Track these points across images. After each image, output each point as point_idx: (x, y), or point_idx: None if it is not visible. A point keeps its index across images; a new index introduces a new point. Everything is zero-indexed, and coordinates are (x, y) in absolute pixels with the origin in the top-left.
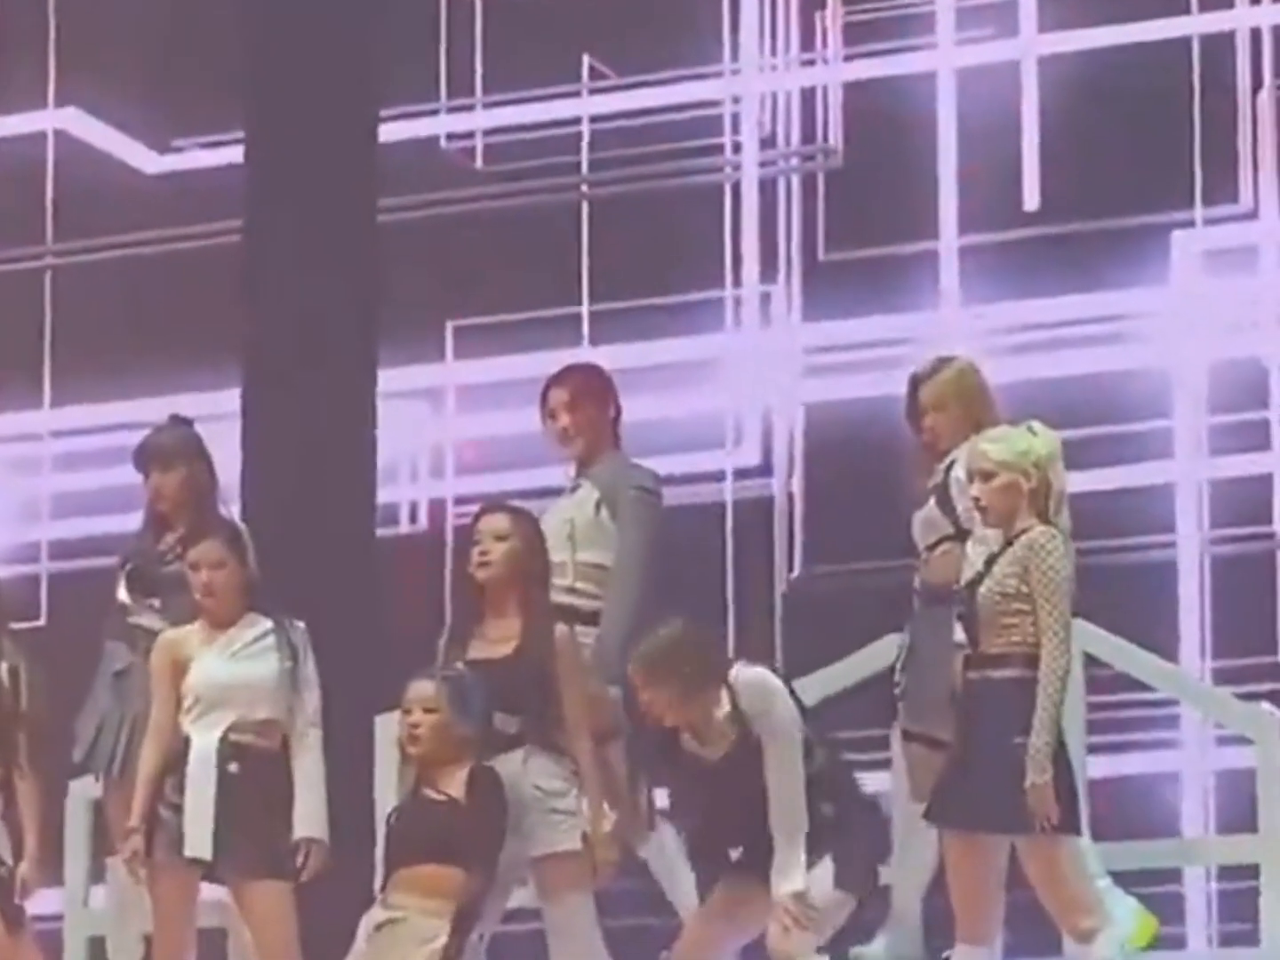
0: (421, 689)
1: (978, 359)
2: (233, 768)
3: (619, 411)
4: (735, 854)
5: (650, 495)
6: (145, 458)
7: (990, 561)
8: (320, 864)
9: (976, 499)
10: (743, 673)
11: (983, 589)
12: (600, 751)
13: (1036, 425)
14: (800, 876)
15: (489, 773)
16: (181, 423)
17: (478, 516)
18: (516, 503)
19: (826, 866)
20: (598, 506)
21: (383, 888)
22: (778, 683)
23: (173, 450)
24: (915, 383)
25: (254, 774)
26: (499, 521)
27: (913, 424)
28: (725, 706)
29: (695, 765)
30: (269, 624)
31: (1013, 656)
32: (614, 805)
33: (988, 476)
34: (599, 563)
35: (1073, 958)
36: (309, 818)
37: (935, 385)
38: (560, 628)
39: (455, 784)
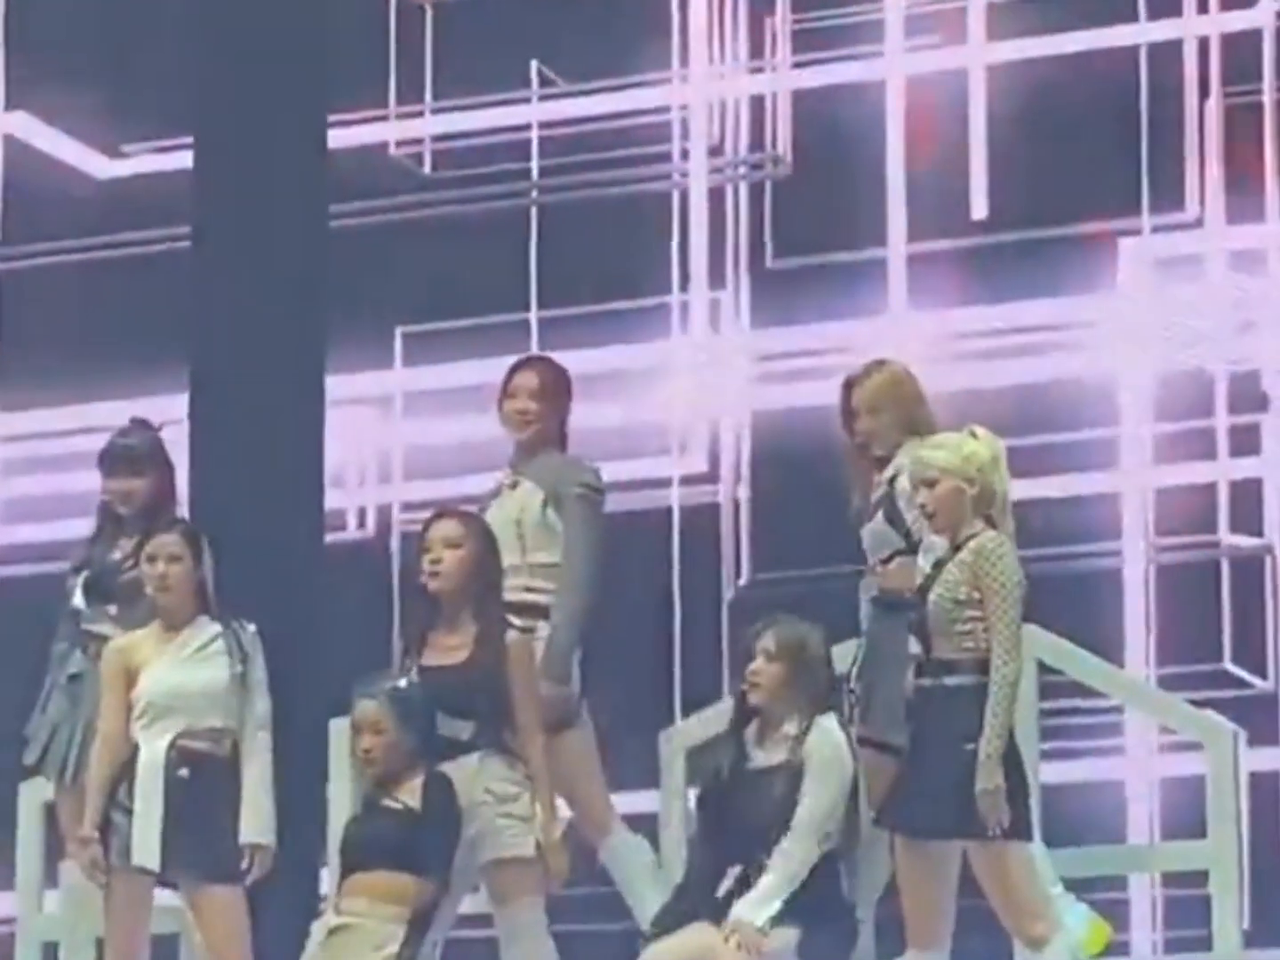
0: (367, 711)
1: (920, 365)
2: (182, 773)
3: (565, 414)
4: (729, 879)
5: (595, 493)
6: (113, 459)
7: (938, 567)
8: (266, 869)
9: (922, 506)
10: (828, 723)
11: (933, 596)
12: (566, 739)
13: (978, 430)
14: (766, 916)
15: (442, 779)
16: (146, 426)
17: (429, 523)
18: (466, 508)
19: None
20: (544, 506)
21: (336, 894)
22: (849, 756)
23: (142, 455)
24: (848, 386)
25: (204, 779)
26: (450, 529)
27: (847, 428)
28: (795, 730)
29: (741, 763)
30: (218, 628)
31: (965, 662)
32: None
33: (931, 483)
34: (551, 562)
35: None
36: (255, 823)
37: (868, 389)
38: (513, 634)
39: (409, 792)
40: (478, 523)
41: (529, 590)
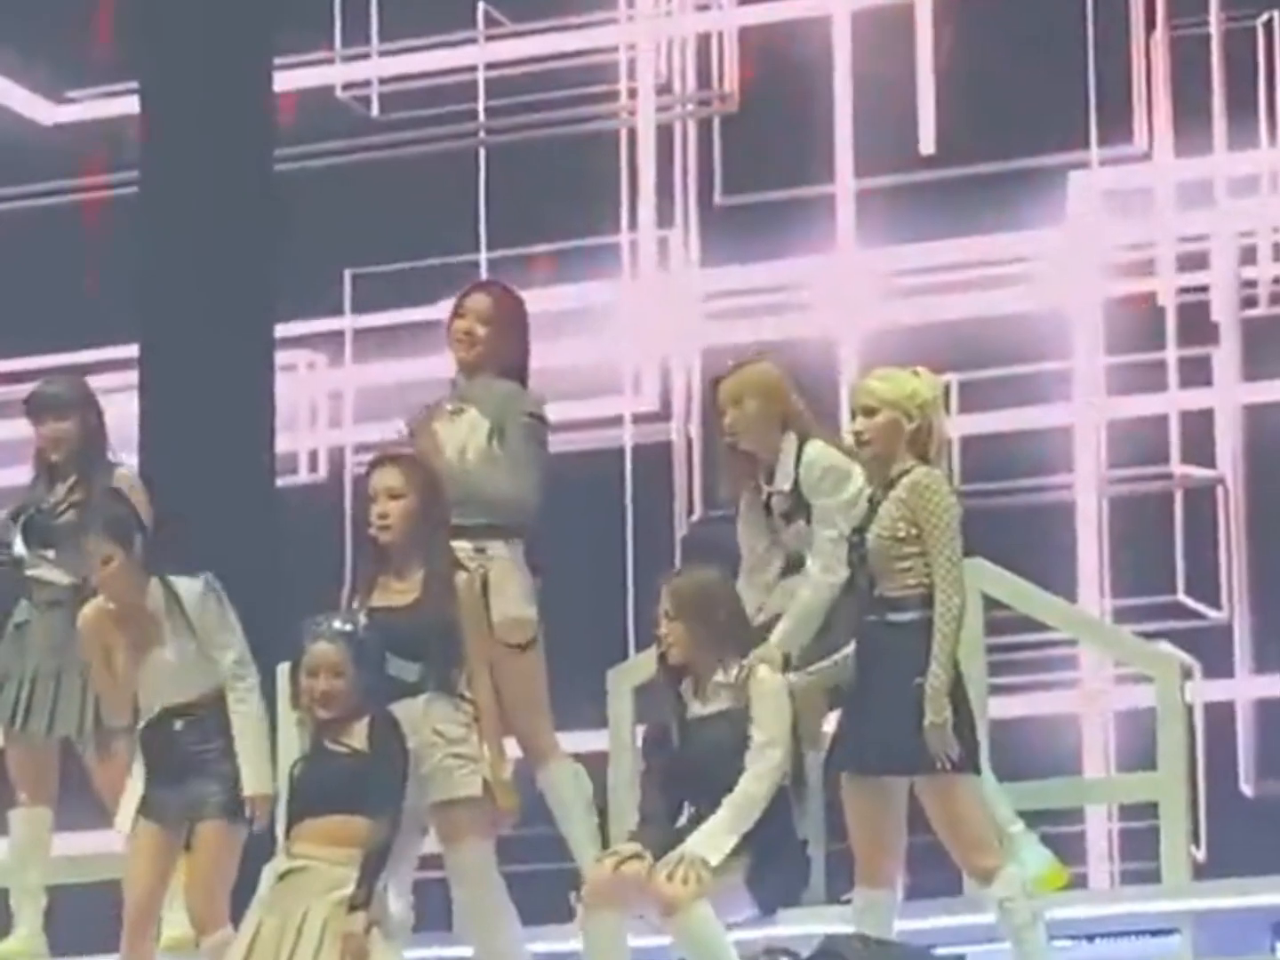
0: (325, 653)
1: (870, 301)
2: (177, 725)
3: (523, 335)
4: (683, 816)
5: (540, 422)
6: (38, 406)
7: (874, 505)
8: (268, 816)
9: (858, 434)
10: (763, 669)
11: (871, 534)
12: (520, 663)
13: (922, 371)
14: (717, 853)
15: (387, 720)
16: (71, 373)
17: (371, 469)
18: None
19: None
20: (489, 436)
21: (286, 838)
22: (786, 695)
23: (66, 399)
24: (714, 383)
25: (194, 728)
26: (393, 479)
27: (716, 428)
28: (729, 678)
29: (682, 713)
30: (162, 604)
31: (909, 599)
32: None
33: (870, 412)
34: (497, 494)
35: (973, 898)
36: (250, 773)
37: (732, 381)
38: (461, 574)
39: (356, 735)
40: (418, 467)
41: (468, 515)
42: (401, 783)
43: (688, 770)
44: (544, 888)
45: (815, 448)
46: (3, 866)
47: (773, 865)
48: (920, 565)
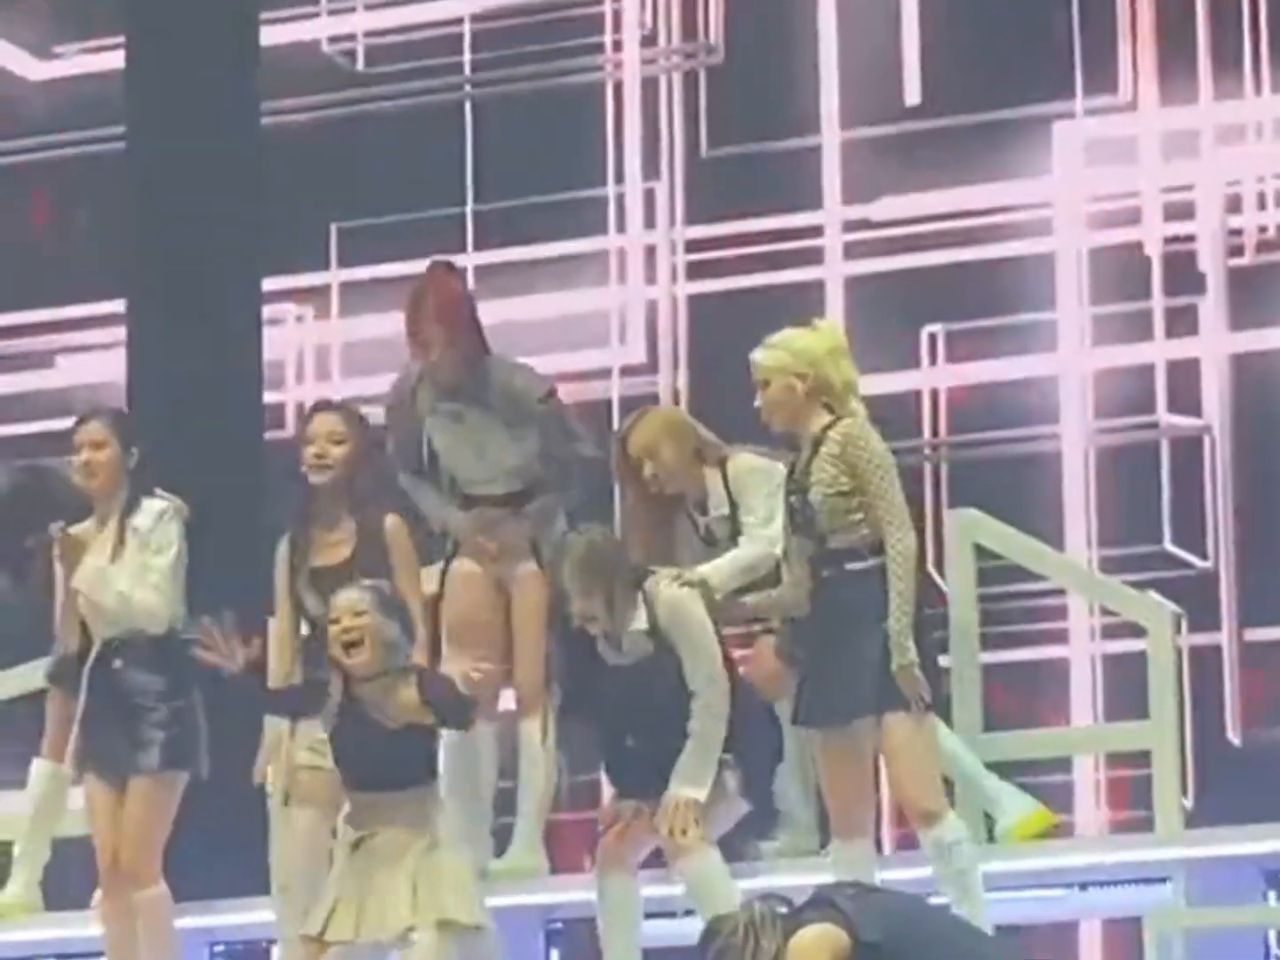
0: (349, 596)
1: (855, 252)
2: (116, 664)
3: (474, 312)
4: (631, 740)
5: (549, 397)
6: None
7: (806, 467)
8: None
9: (758, 410)
10: (662, 591)
11: (815, 494)
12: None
13: (820, 323)
14: (703, 788)
15: (440, 687)
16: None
17: (310, 415)
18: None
19: (725, 774)
20: (508, 431)
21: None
22: (696, 605)
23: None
24: (621, 442)
25: (133, 669)
26: (334, 423)
27: (631, 484)
28: (641, 621)
29: (606, 669)
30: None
31: (860, 547)
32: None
33: (764, 385)
34: (519, 464)
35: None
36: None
37: (640, 433)
38: (390, 517)
39: (401, 703)
40: (357, 417)
41: (505, 485)
42: (464, 707)
43: (628, 720)
44: (565, 836)
45: (736, 462)
46: (12, 818)
47: (758, 765)
48: (869, 514)
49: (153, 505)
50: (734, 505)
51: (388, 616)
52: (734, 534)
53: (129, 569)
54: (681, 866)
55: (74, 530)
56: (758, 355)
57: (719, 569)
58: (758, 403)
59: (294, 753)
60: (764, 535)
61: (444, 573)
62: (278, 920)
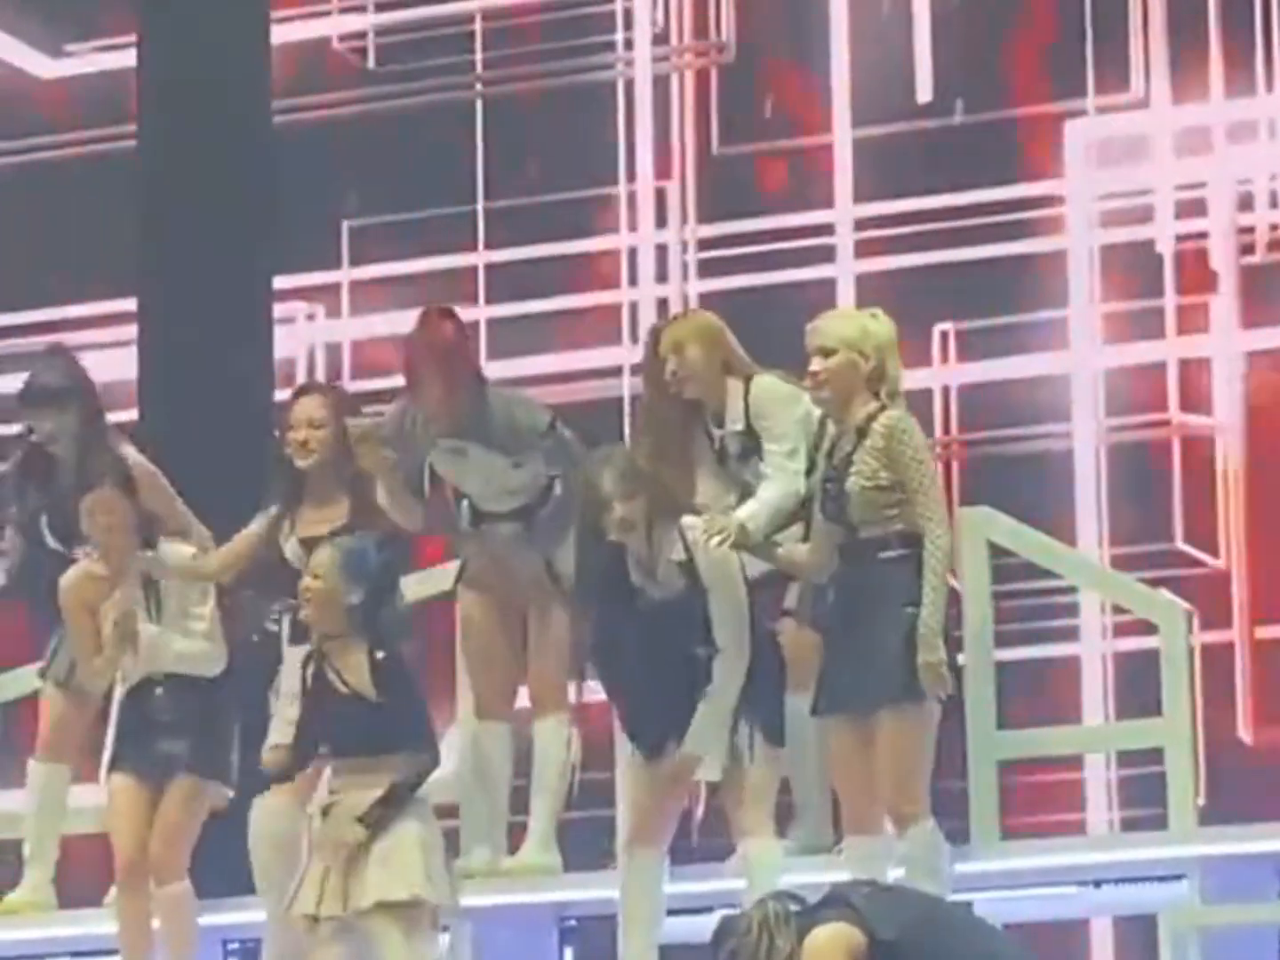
0: (318, 556)
1: (869, 249)
2: (157, 692)
3: (465, 343)
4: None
5: (556, 435)
6: (33, 399)
7: (847, 456)
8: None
9: (814, 373)
10: (702, 540)
11: (852, 484)
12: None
13: (879, 313)
14: (714, 750)
15: (390, 663)
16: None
17: (292, 399)
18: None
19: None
20: (513, 465)
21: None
22: (737, 569)
23: (61, 389)
24: (654, 333)
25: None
26: (314, 407)
27: (653, 383)
28: (679, 552)
29: (639, 600)
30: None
31: (891, 538)
32: None
33: (827, 353)
34: (523, 484)
35: (979, 846)
36: None
37: (674, 329)
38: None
39: (354, 669)
40: (341, 396)
41: (512, 502)
42: (420, 725)
43: (649, 659)
44: (585, 834)
45: (761, 382)
46: (14, 817)
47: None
48: (905, 509)
49: (180, 550)
50: (750, 425)
51: (351, 580)
52: (744, 452)
53: (170, 619)
54: (746, 847)
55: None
56: (828, 323)
57: (755, 516)
58: (815, 367)
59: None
60: (790, 468)
61: (457, 579)
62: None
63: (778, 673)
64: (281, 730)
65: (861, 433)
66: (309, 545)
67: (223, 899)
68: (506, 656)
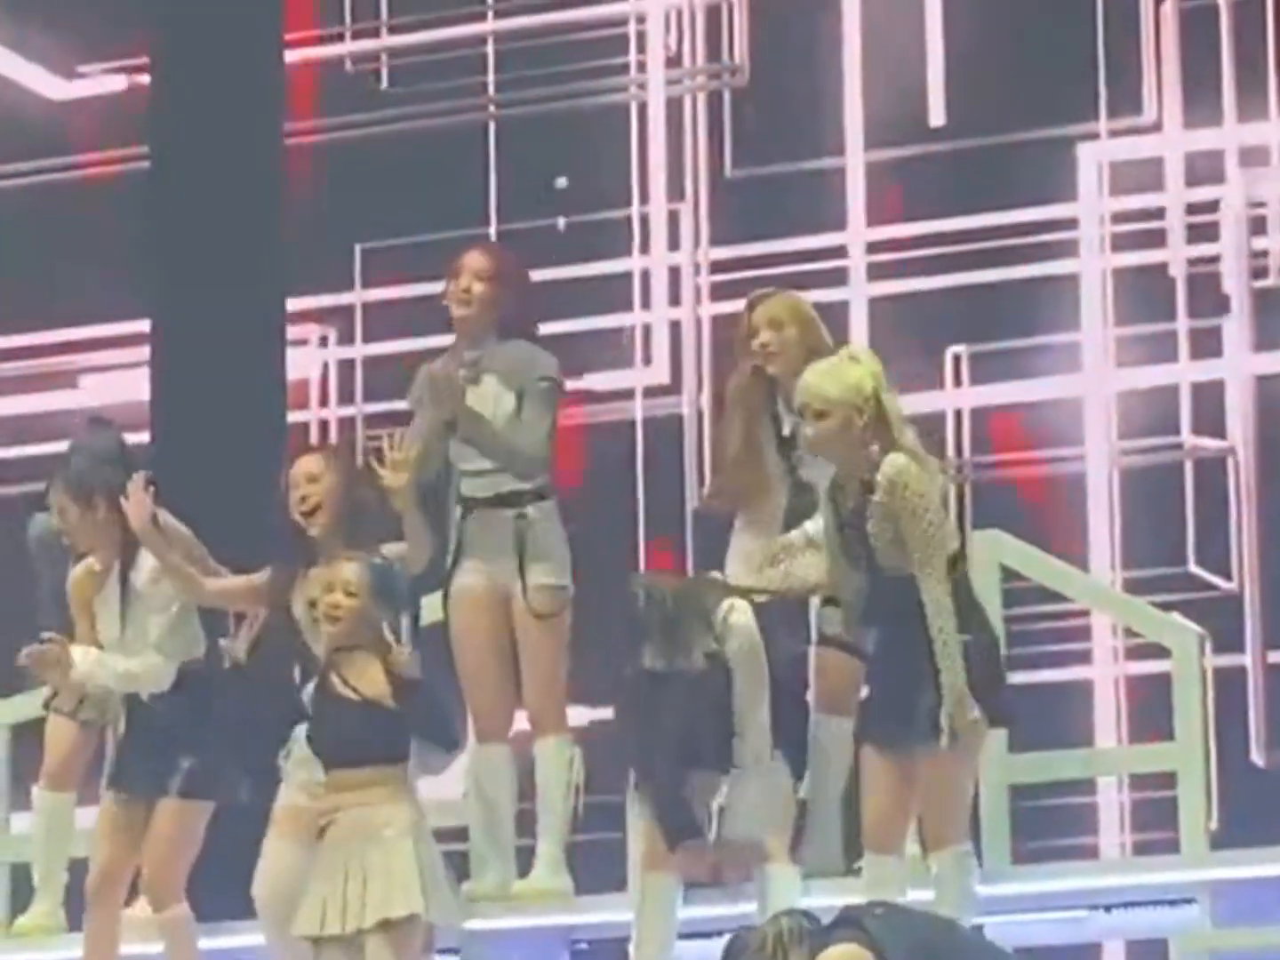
0: (344, 571)
1: (880, 273)
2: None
3: (522, 294)
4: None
5: (556, 386)
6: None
7: (858, 508)
8: None
9: (812, 441)
10: (733, 616)
11: (871, 541)
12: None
13: (857, 352)
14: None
15: (412, 683)
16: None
17: (292, 459)
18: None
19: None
20: (518, 404)
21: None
22: (761, 645)
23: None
24: (750, 306)
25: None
26: (311, 464)
27: (743, 351)
28: (710, 646)
29: (663, 681)
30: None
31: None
32: None
33: (821, 415)
34: (524, 458)
35: (991, 869)
36: None
37: (774, 304)
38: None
39: (368, 679)
40: (338, 455)
41: (501, 483)
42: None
43: (681, 726)
44: (598, 857)
45: None
46: (23, 839)
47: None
48: None
49: (147, 562)
50: None
51: (381, 600)
52: None
53: (130, 637)
54: (763, 871)
55: (76, 576)
56: (817, 383)
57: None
58: (808, 430)
59: (287, 793)
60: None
61: (445, 595)
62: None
63: (801, 704)
64: (301, 794)
65: (866, 487)
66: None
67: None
68: (500, 677)
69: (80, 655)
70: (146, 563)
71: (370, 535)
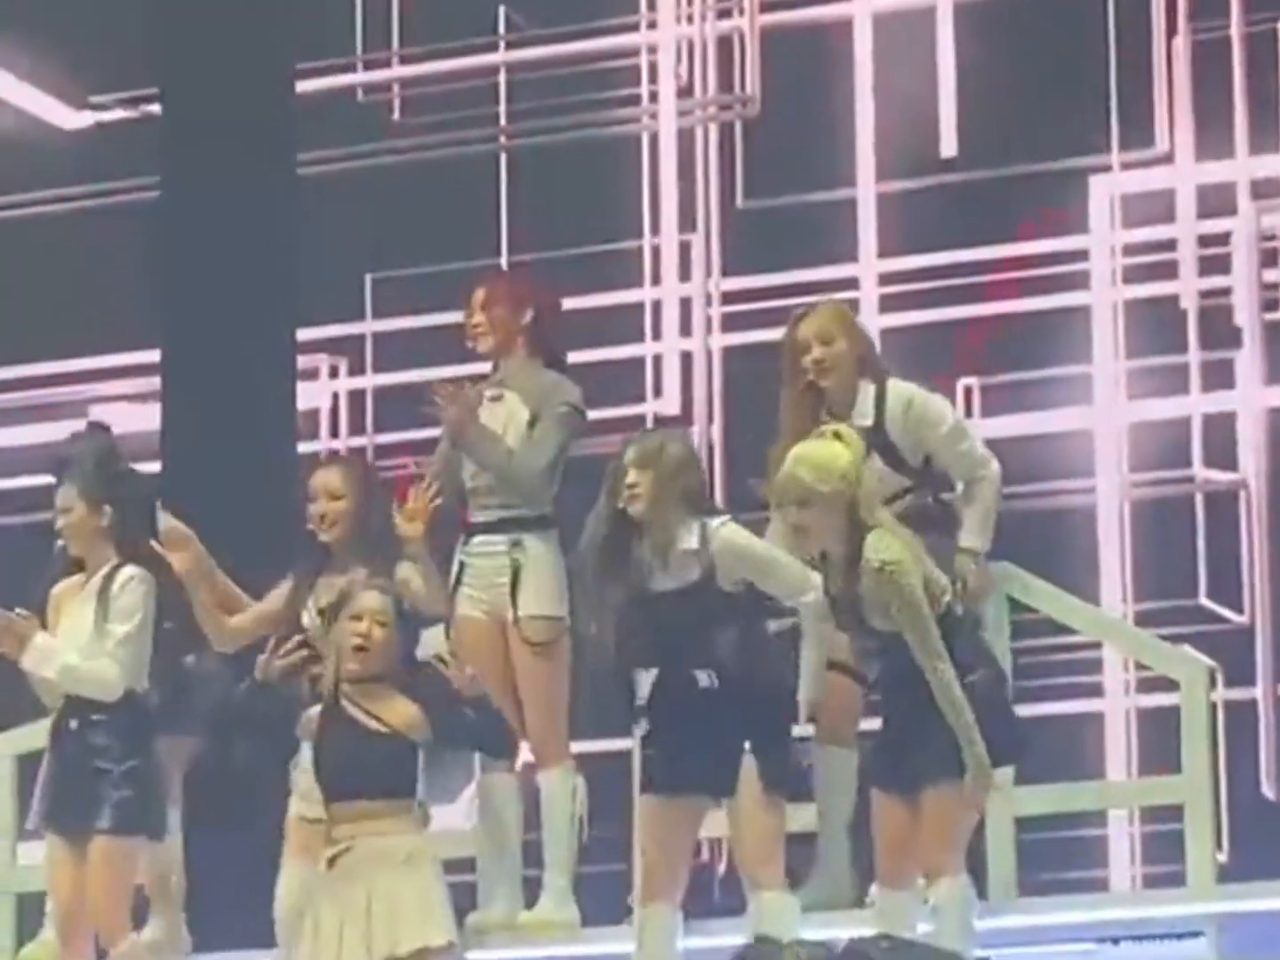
0: (373, 600)
1: (891, 304)
2: (72, 724)
3: (542, 317)
4: (704, 679)
5: (576, 412)
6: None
7: (848, 589)
8: None
9: (795, 526)
10: (726, 529)
11: (870, 621)
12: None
13: (841, 430)
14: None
15: (450, 700)
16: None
17: (311, 471)
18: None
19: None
20: (530, 426)
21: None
22: (748, 535)
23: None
24: (797, 320)
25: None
26: (332, 480)
27: (792, 367)
28: (693, 544)
29: (647, 591)
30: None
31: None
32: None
33: (805, 504)
34: (529, 481)
35: (996, 904)
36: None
37: (819, 317)
38: (402, 564)
39: (392, 710)
40: (358, 469)
41: (504, 508)
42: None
43: (664, 645)
44: (599, 890)
45: (900, 386)
46: (29, 870)
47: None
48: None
49: (123, 572)
50: (879, 428)
51: (402, 630)
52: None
53: (87, 638)
54: (759, 901)
55: (57, 589)
56: (804, 476)
57: (984, 523)
58: (792, 520)
59: (296, 804)
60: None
61: (448, 626)
62: None
63: (787, 719)
64: (306, 804)
65: (850, 563)
66: (323, 615)
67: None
68: (502, 706)
69: (42, 638)
70: (123, 573)
71: (382, 551)
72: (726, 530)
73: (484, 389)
